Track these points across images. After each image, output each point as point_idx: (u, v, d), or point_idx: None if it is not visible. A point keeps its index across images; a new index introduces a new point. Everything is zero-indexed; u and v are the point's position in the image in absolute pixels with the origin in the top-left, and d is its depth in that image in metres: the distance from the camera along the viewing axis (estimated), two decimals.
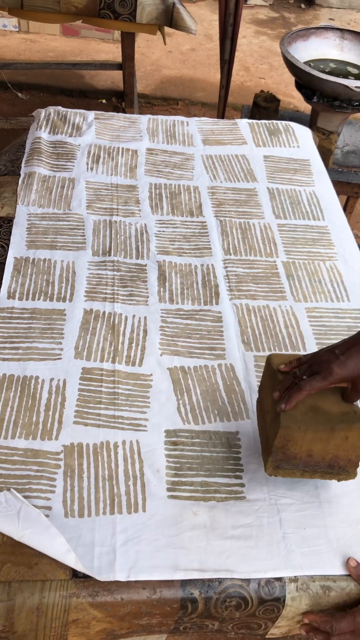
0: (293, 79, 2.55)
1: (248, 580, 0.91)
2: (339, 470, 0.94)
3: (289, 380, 0.92)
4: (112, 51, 4.21)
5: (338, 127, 2.42)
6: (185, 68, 4.22)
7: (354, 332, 1.26)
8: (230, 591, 0.90)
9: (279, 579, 0.92)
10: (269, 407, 0.95)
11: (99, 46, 4.28)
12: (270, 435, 0.93)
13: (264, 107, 2.45)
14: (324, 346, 1.24)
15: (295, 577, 0.92)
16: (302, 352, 1.22)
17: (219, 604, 0.90)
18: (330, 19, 5.08)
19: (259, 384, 1.04)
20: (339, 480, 0.97)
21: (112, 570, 0.88)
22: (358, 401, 0.93)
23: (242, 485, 1.01)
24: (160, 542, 0.92)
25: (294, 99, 3.96)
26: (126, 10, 2.71)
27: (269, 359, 0.98)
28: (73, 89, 3.82)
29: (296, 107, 3.87)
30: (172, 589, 0.89)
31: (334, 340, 1.25)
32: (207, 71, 4.19)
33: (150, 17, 2.73)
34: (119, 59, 3.62)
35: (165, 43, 2.95)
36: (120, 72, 3.60)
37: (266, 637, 1.00)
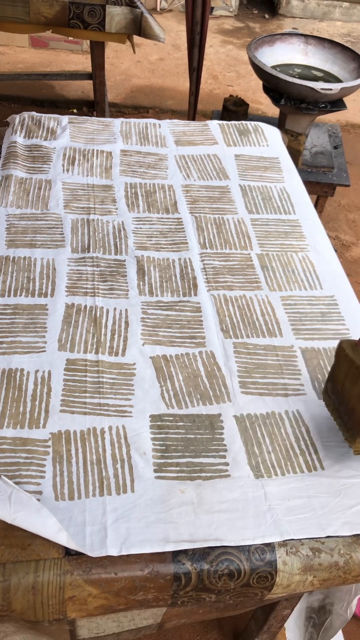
0: (260, 85, 2.62)
1: (238, 548, 0.94)
2: (350, 426, 1.00)
3: None
4: (82, 62, 4.26)
5: (306, 128, 2.49)
6: (155, 77, 4.28)
7: (328, 320, 1.32)
8: (221, 559, 0.93)
9: (269, 545, 0.95)
10: (352, 391, 0.99)
11: (68, 57, 4.33)
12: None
13: (234, 110, 2.52)
14: (300, 332, 1.29)
15: (284, 541, 0.95)
16: (279, 338, 1.27)
17: (212, 575, 0.93)
18: (293, 28, 5.21)
19: (328, 374, 1.08)
20: (349, 445, 1.02)
21: (103, 546, 0.91)
22: None
23: (227, 464, 1.05)
24: (150, 518, 0.95)
25: (262, 105, 4.05)
26: (95, 20, 2.76)
27: (340, 347, 1.03)
28: (44, 99, 3.86)
29: (264, 112, 3.96)
30: (163, 562, 0.92)
31: (309, 327, 1.30)
32: (176, 80, 4.27)
33: (119, 27, 2.78)
34: (89, 69, 3.67)
35: (134, 52, 3.01)
36: (90, 81, 3.66)
37: (264, 599, 1.03)
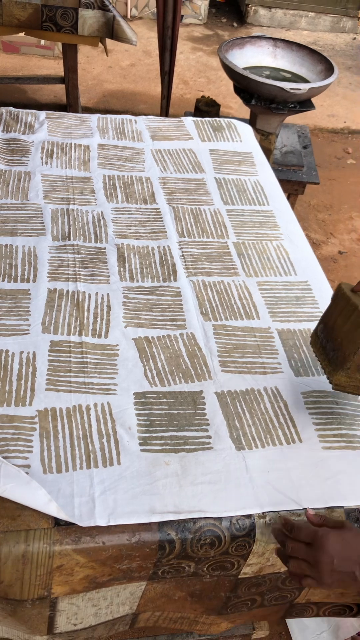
0: (230, 90, 2.68)
1: (220, 519, 0.97)
2: (334, 360, 1.04)
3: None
4: (54, 67, 4.28)
5: (276, 128, 2.56)
6: (126, 82, 4.33)
7: (302, 303, 1.37)
8: (204, 530, 0.96)
9: (249, 516, 0.98)
10: (343, 327, 1.03)
11: (40, 62, 4.35)
12: (348, 348, 1.01)
13: (206, 111, 2.57)
14: (276, 315, 1.34)
15: (263, 513, 0.99)
16: (257, 320, 1.31)
17: (195, 543, 0.96)
18: None
19: (322, 314, 1.11)
20: (329, 380, 1.05)
21: (92, 517, 0.93)
22: None
23: (209, 437, 1.08)
24: (136, 490, 0.98)
25: (232, 109, 4.13)
26: (68, 23, 2.80)
27: (339, 287, 1.06)
28: (17, 103, 3.86)
29: (234, 116, 4.04)
30: (150, 531, 0.95)
31: (285, 310, 1.35)
32: (147, 85, 4.32)
33: (91, 30, 2.82)
34: (61, 74, 3.70)
35: (107, 54, 3.05)
36: (62, 86, 3.68)
37: (239, 577, 1.06)
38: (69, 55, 3.08)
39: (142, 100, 4.15)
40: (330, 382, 1.05)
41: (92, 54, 4.51)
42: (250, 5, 5.46)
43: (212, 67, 4.72)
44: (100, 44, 2.93)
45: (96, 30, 2.84)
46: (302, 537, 0.86)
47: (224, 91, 4.37)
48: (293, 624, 1.71)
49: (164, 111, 3.34)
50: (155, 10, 5.19)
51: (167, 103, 3.35)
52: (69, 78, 3.16)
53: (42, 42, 4.33)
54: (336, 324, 1.06)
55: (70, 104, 3.29)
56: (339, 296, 1.07)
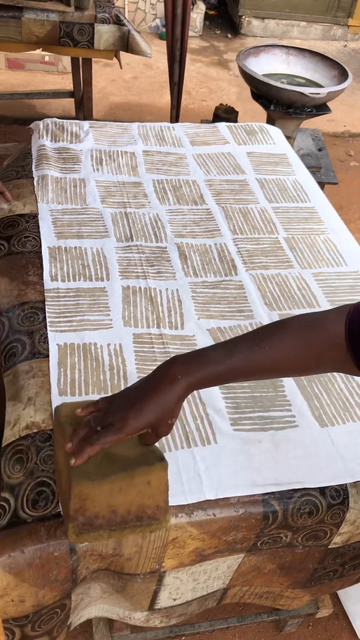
0: (232, 99, 2.75)
1: (317, 489, 1.04)
2: (149, 520, 0.84)
3: (83, 429, 0.80)
4: (58, 82, 4.37)
5: (293, 132, 2.66)
6: (131, 95, 4.42)
7: (357, 291, 1.45)
8: (304, 499, 1.03)
9: (342, 486, 1.05)
10: (63, 467, 0.83)
11: (44, 78, 4.43)
12: (67, 497, 0.80)
13: (225, 118, 2.66)
14: (335, 303, 1.41)
15: (354, 482, 1.06)
16: (319, 308, 1.38)
17: (295, 512, 1.03)
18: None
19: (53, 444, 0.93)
20: (151, 532, 0.89)
21: (201, 491, 0.99)
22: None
23: (293, 416, 1.15)
24: (236, 465, 1.04)
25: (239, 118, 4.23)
26: (84, 38, 2.88)
27: (56, 410, 0.86)
28: (26, 118, 3.93)
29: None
30: (255, 504, 1.01)
31: (342, 298, 1.42)
32: (151, 96, 4.42)
33: (107, 44, 2.91)
34: (66, 88, 3.79)
35: (121, 67, 3.14)
36: (70, 100, 3.77)
37: (329, 547, 1.13)
38: (85, 69, 3.16)
39: (148, 111, 4.24)
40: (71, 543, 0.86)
41: (95, 68, 4.59)
42: (243, 17, 5.59)
43: (212, 78, 4.83)
44: (114, 58, 3.02)
45: (112, 44, 2.93)
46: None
47: (226, 100, 4.47)
48: (348, 604, 1.77)
49: (174, 121, 3.42)
50: (153, 25, 5.31)
51: (177, 113, 3.44)
52: (84, 91, 3.24)
53: (47, 58, 4.42)
54: (57, 458, 0.88)
55: (85, 117, 3.36)
56: (56, 423, 0.86)
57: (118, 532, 0.82)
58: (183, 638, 1.63)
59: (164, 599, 1.12)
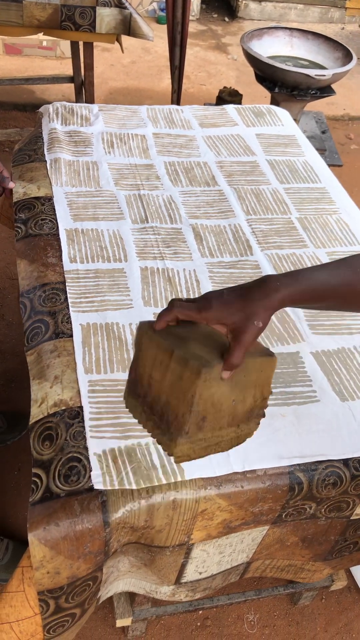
0: (231, 82, 2.70)
1: (341, 460, 1.06)
2: (166, 427, 0.77)
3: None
4: (57, 67, 4.34)
5: (297, 114, 2.66)
6: (130, 79, 4.40)
7: None
8: (328, 471, 1.05)
9: None
10: (163, 382, 0.78)
11: (43, 63, 4.40)
12: (179, 407, 0.76)
13: (230, 101, 2.66)
14: None
15: None
16: None
17: (320, 484, 1.05)
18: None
19: (128, 370, 0.87)
20: (169, 453, 0.79)
21: (228, 464, 1.02)
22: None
23: (314, 391, 1.17)
24: (261, 439, 1.06)
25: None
26: (86, 22, 2.87)
27: (140, 329, 0.82)
28: (26, 104, 3.92)
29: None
30: (281, 475, 1.04)
31: None
32: (150, 81, 4.40)
33: (109, 27, 2.89)
34: (64, 73, 3.77)
35: (122, 51, 3.12)
36: (70, 85, 3.75)
37: (351, 518, 1.15)
38: (86, 54, 3.14)
39: (147, 95, 4.22)
40: (171, 455, 0.78)
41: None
42: (240, 0, 5.55)
43: (210, 62, 4.81)
44: (115, 42, 3.00)
45: (113, 27, 2.91)
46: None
47: (225, 83, 4.45)
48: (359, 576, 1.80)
49: (175, 104, 3.42)
50: (150, 9, 5.27)
51: (178, 97, 3.43)
52: (86, 75, 3.22)
53: (44, 43, 4.38)
54: (152, 379, 0.79)
55: (87, 102, 3.35)
56: (143, 341, 0.80)
57: (145, 420, 0.81)
58: (200, 612, 1.67)
59: (191, 573, 1.15)
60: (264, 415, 0.86)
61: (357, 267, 0.84)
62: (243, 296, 0.76)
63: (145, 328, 0.80)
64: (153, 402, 0.80)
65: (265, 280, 0.78)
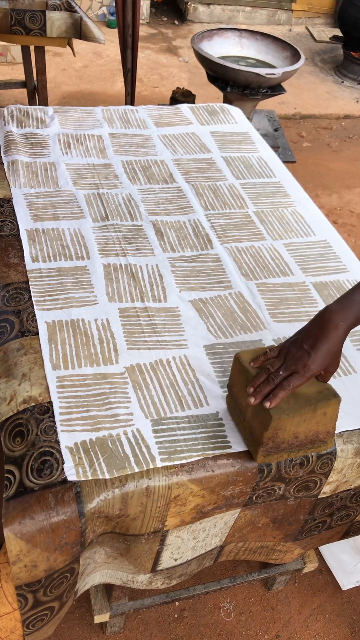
0: (184, 84, 2.76)
1: None
2: (319, 443, 1.06)
3: (262, 375, 1.00)
4: (8, 72, 4.31)
5: (250, 113, 2.72)
6: (83, 83, 4.41)
7: (327, 259, 1.51)
8: None
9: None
10: (246, 404, 1.03)
11: None
12: (257, 427, 1.01)
13: (183, 101, 2.70)
14: (307, 271, 1.47)
15: (340, 432, 1.13)
16: (292, 276, 1.45)
17: (288, 464, 1.08)
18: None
19: (228, 382, 1.11)
20: (318, 453, 1.09)
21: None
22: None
23: None
24: (230, 424, 1.09)
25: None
26: (36, 26, 2.86)
27: (237, 357, 1.05)
28: None
29: None
30: (250, 458, 1.07)
31: (314, 266, 1.49)
32: (103, 84, 4.41)
33: (60, 31, 2.89)
34: (16, 78, 3.75)
35: (74, 55, 3.12)
36: (22, 90, 3.73)
37: (318, 497, 1.19)
38: (38, 58, 3.13)
39: (101, 99, 4.23)
40: (255, 460, 1.05)
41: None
42: (189, 3, 5.62)
43: (162, 64, 4.85)
44: (67, 45, 3.01)
45: (64, 31, 2.91)
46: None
47: (177, 85, 4.50)
48: (330, 559, 1.85)
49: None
50: (100, 13, 5.28)
51: (132, 99, 3.45)
52: (39, 80, 3.21)
53: None
54: (240, 397, 1.06)
55: (40, 105, 3.33)
56: (239, 367, 1.05)
57: (295, 452, 1.05)
58: (177, 603, 1.69)
59: (166, 559, 1.17)
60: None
61: None
62: (323, 343, 0.98)
63: (243, 356, 1.05)
64: (240, 411, 1.06)
65: (329, 318, 0.99)
